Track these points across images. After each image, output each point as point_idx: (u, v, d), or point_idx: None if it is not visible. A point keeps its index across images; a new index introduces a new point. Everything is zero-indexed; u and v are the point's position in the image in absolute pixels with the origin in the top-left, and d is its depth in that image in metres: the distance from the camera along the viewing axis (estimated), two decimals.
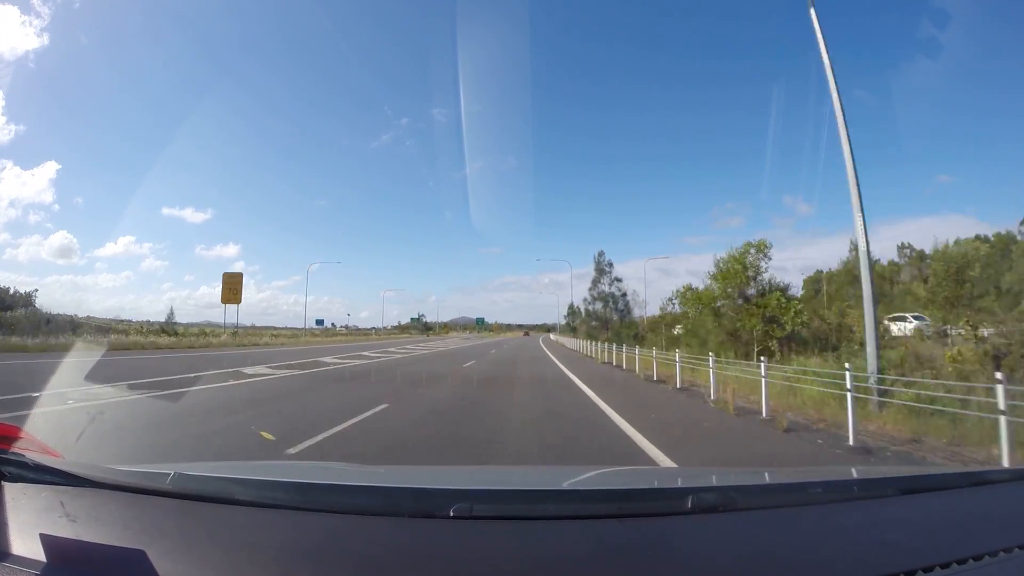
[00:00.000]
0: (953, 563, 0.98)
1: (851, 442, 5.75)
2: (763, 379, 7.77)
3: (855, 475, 1.76)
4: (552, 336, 70.41)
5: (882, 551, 1.03)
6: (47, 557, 0.90)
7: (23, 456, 1.10)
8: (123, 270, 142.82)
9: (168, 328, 34.25)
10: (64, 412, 6.25)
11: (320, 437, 5.34)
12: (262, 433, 5.34)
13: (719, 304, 17.32)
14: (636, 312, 37.66)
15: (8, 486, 1.07)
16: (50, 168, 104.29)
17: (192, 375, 11.47)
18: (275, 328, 68.04)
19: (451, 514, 1.04)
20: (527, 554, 0.96)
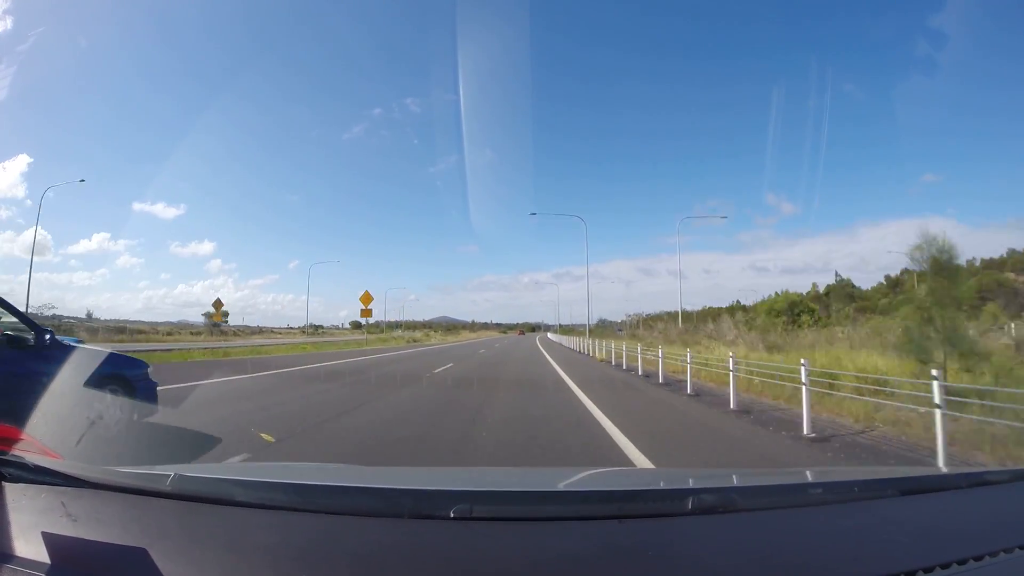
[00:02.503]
0: (953, 563, 0.98)
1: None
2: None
3: (855, 476, 1.76)
4: (551, 336, 66.44)
5: (882, 552, 1.03)
6: (50, 557, 0.90)
7: (23, 457, 1.10)
8: (98, 268, 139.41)
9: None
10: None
11: None
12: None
13: None
14: None
15: (8, 487, 1.07)
16: (22, 161, 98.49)
17: None
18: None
19: (451, 515, 1.04)
20: (528, 555, 0.96)
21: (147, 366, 5.48)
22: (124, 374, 5.01)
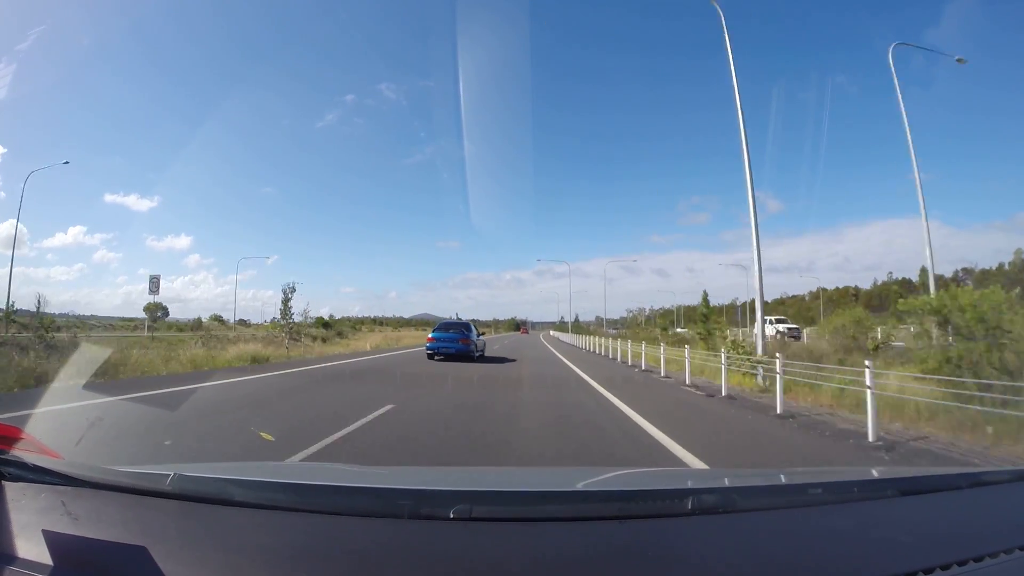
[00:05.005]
0: (954, 564, 0.98)
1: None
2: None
3: (855, 476, 1.76)
4: (563, 337, 63.81)
5: (882, 552, 1.03)
6: (50, 555, 0.91)
7: (22, 457, 1.10)
8: (76, 262, 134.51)
9: None
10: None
11: None
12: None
13: None
14: None
15: (9, 486, 1.07)
16: None
17: None
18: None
19: (451, 516, 1.04)
20: (527, 556, 0.96)
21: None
22: (481, 335, 19.86)
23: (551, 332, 71.16)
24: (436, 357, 17.06)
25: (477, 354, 18.00)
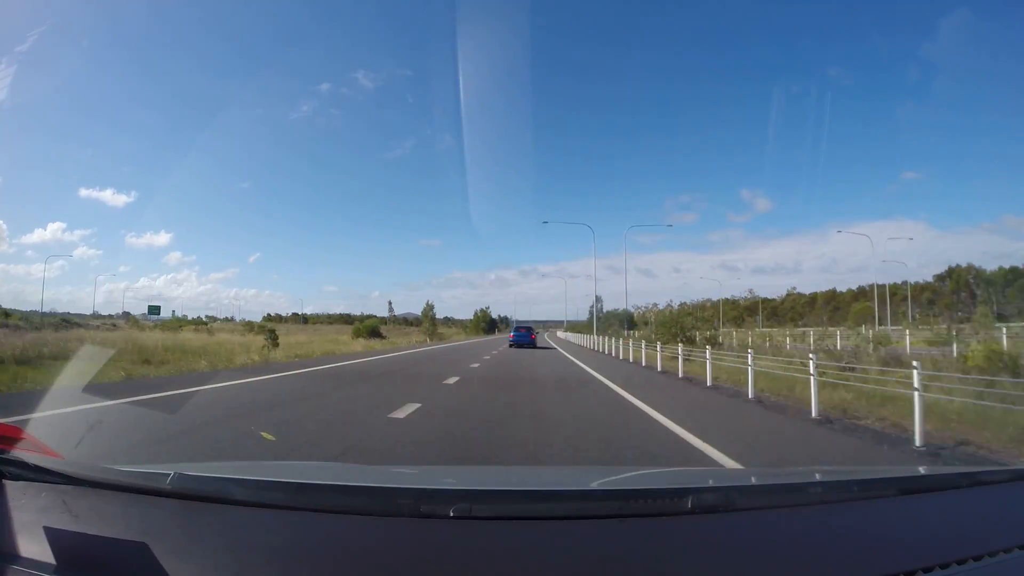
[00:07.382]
0: (953, 563, 0.98)
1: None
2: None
3: (855, 476, 1.76)
4: (561, 335, 57.89)
5: (882, 551, 1.03)
6: (52, 553, 0.91)
7: (23, 456, 1.10)
8: (56, 259, 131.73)
9: None
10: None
11: None
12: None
13: None
14: None
15: (10, 485, 1.08)
16: None
17: None
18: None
19: (451, 514, 1.04)
20: (527, 555, 0.96)
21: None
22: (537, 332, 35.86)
23: (559, 333, 65.04)
24: (512, 346, 28.57)
25: (539, 344, 31.08)
